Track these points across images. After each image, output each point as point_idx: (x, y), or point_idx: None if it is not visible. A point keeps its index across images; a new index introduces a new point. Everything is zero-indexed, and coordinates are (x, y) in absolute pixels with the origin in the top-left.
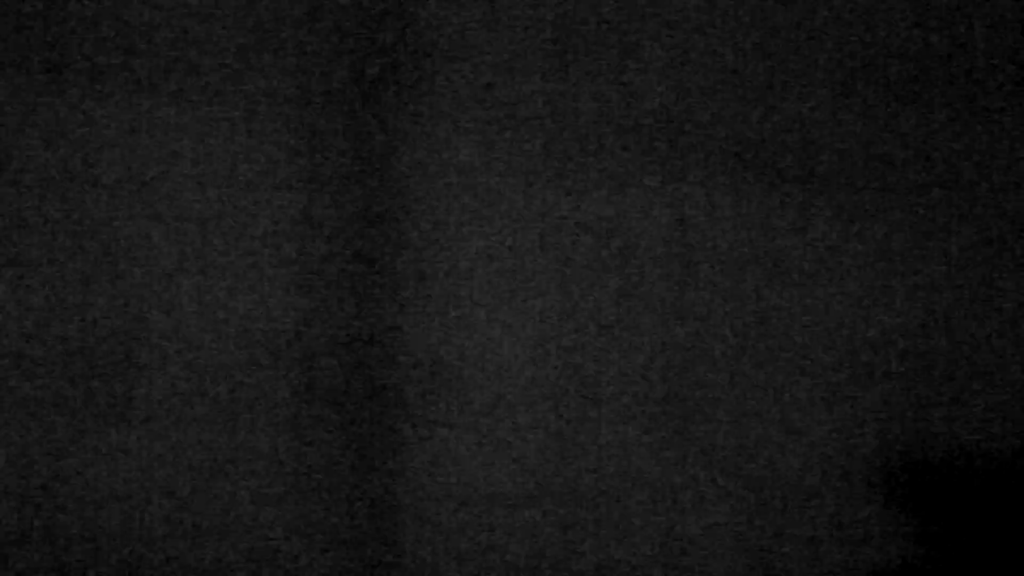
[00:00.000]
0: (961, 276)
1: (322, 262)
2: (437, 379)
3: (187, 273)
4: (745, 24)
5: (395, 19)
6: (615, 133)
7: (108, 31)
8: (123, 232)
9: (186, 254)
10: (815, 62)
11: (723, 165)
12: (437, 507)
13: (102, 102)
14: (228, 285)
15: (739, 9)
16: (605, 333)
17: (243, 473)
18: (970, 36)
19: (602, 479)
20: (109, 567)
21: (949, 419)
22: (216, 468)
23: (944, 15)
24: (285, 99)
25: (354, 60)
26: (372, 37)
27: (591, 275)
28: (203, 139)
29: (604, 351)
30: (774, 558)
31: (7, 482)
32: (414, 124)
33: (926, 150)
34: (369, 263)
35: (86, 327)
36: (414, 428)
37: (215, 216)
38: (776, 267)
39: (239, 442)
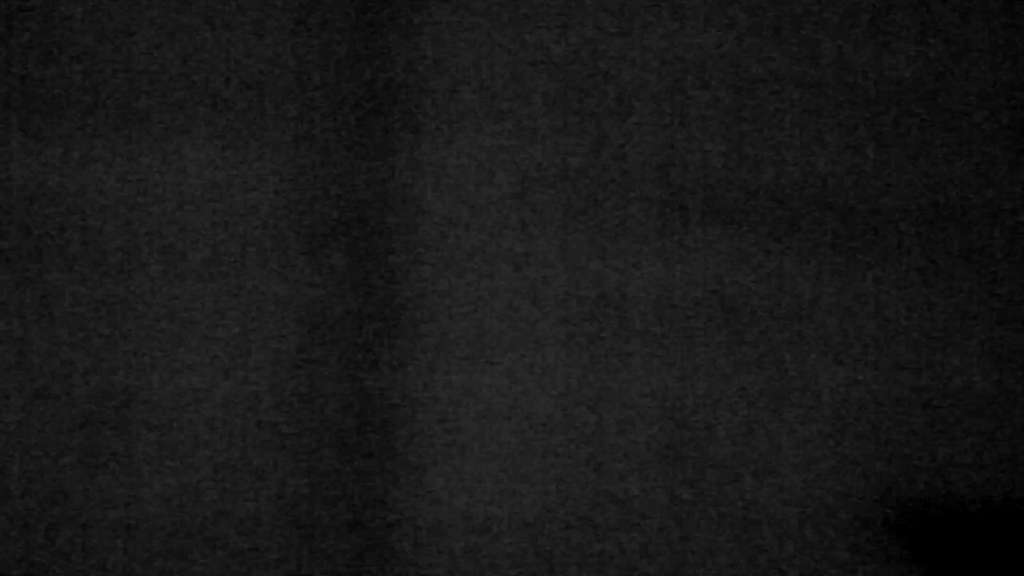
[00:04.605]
0: (964, 323)
1: (324, 311)
2: (434, 423)
3: (188, 319)
4: (742, 77)
5: (389, 61)
6: (613, 184)
7: (107, 69)
8: (124, 275)
9: (187, 297)
10: (815, 114)
11: (720, 219)
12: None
13: (100, 143)
14: (226, 327)
15: (736, 61)
16: (606, 373)
17: (244, 507)
18: (972, 82)
19: (602, 520)
20: None
21: (948, 464)
22: (216, 503)
23: (948, 62)
24: (283, 140)
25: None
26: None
27: (588, 325)
28: (203, 183)
29: (605, 390)
30: None
31: (12, 516)
32: (410, 177)
33: (929, 195)
34: (370, 321)
35: (88, 370)
36: (409, 465)
37: (212, 260)
38: (775, 313)
39: (239, 481)
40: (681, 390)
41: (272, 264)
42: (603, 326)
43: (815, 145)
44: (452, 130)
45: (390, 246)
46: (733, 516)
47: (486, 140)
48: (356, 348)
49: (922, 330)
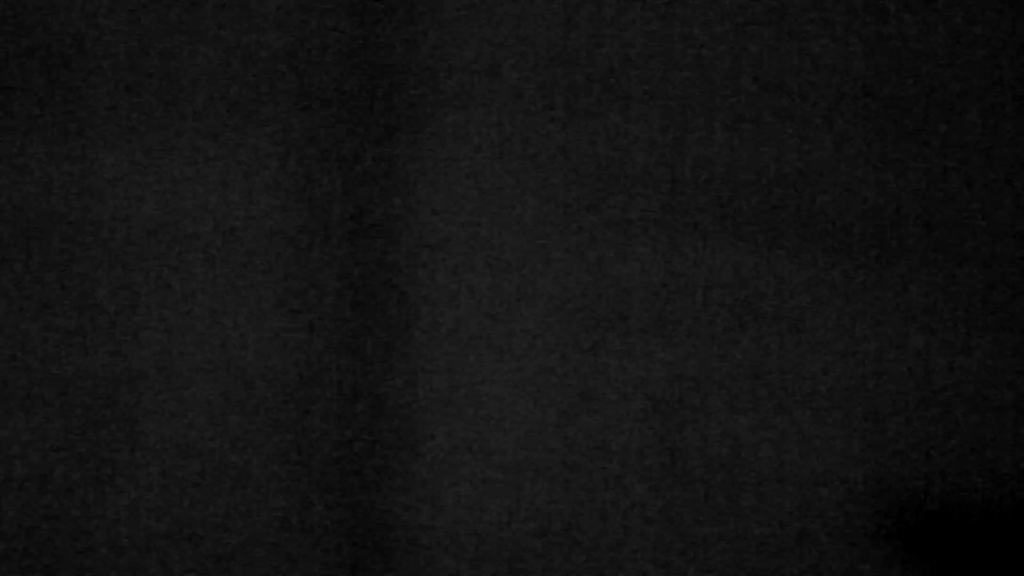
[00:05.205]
0: (965, 324)
1: (323, 309)
2: (432, 420)
3: (185, 316)
4: (743, 77)
5: (393, 67)
6: (614, 184)
7: (104, 72)
8: (122, 276)
9: (184, 296)
10: (815, 114)
11: (720, 217)
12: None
13: (97, 144)
14: (225, 326)
15: (737, 61)
16: (600, 375)
17: (241, 505)
18: (970, 90)
19: (597, 524)
20: None
21: (948, 464)
22: (214, 502)
23: (948, 70)
24: (284, 148)
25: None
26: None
27: (589, 321)
28: (201, 186)
29: (599, 393)
30: None
31: (9, 516)
32: (414, 173)
33: (924, 202)
34: (369, 316)
35: (87, 370)
36: (410, 465)
37: (211, 258)
38: (771, 314)
39: (236, 480)
40: (680, 389)
41: (271, 262)
42: (603, 324)
43: (816, 146)
44: (453, 126)
45: (390, 242)
46: (732, 518)
47: (487, 137)
48: (356, 347)
49: (922, 331)
